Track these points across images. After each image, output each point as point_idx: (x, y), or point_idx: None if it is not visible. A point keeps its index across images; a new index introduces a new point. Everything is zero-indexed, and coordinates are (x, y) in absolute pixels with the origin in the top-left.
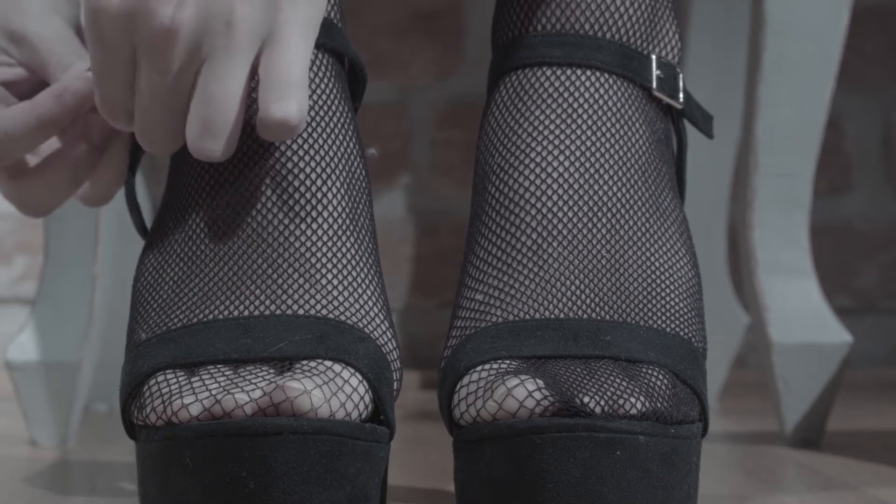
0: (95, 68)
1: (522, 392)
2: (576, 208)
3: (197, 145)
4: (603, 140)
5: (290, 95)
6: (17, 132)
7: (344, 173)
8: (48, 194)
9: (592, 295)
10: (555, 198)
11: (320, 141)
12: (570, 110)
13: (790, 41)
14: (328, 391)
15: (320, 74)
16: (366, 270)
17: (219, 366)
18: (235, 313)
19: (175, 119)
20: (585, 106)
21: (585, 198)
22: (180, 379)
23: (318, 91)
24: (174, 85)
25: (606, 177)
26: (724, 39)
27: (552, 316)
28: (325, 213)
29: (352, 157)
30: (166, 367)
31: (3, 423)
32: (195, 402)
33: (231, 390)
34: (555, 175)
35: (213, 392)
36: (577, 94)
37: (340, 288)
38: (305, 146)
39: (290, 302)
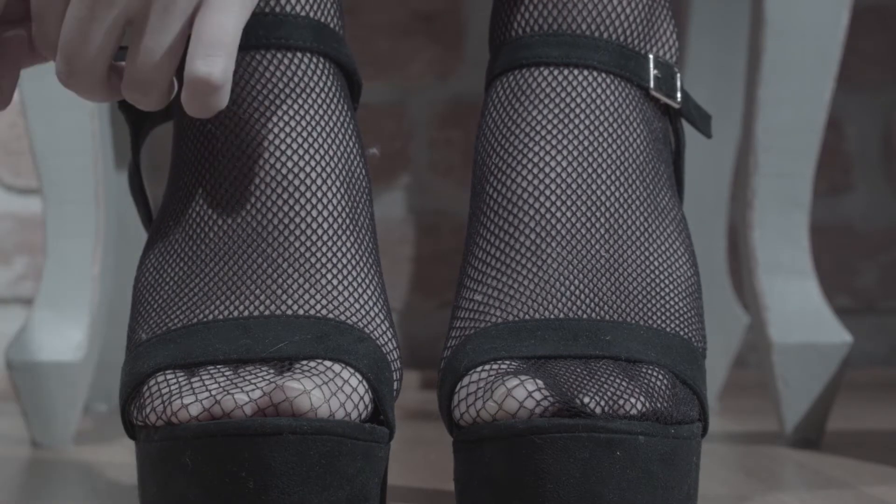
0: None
1: (522, 392)
2: (574, 208)
3: (130, 95)
4: (601, 140)
5: (217, 54)
6: None
7: (344, 173)
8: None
9: (592, 295)
10: (553, 198)
11: (319, 140)
12: (567, 110)
13: (790, 41)
14: (328, 391)
15: (320, 75)
16: (366, 270)
17: (219, 366)
18: (235, 313)
19: (88, 60)
20: (583, 106)
21: (584, 197)
22: (180, 379)
23: (317, 91)
24: (99, 27)
25: (604, 176)
26: (724, 39)
27: (552, 316)
28: (325, 213)
29: (352, 157)
30: (166, 368)
31: (3, 423)
32: (195, 402)
33: (231, 391)
34: (553, 175)
35: (213, 392)
36: (574, 94)
37: (340, 288)
38: (305, 145)
39: (289, 302)
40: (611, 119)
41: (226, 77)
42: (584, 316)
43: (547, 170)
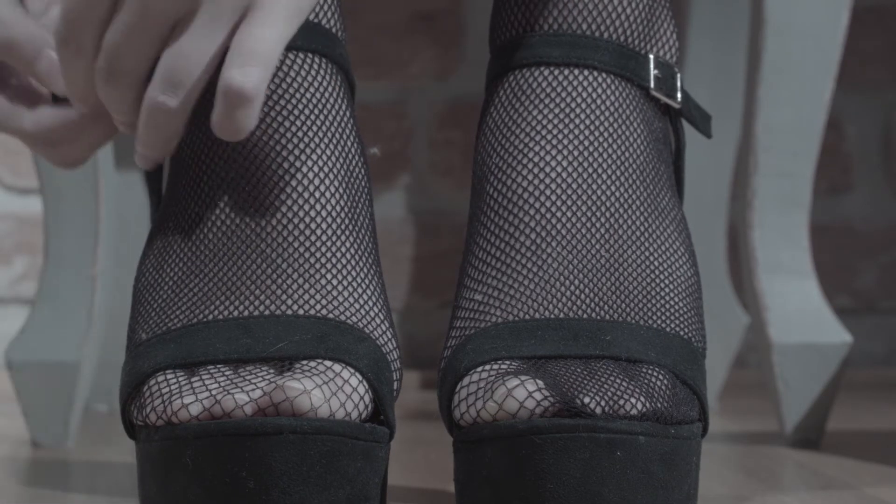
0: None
1: (522, 393)
2: (574, 208)
3: (154, 95)
4: (601, 140)
5: (255, 65)
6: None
7: (343, 173)
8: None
9: (592, 294)
10: (553, 198)
11: (316, 140)
12: (567, 110)
13: (790, 41)
14: (328, 391)
15: (315, 74)
16: (366, 270)
17: (219, 366)
18: (235, 313)
19: (133, 70)
20: (583, 106)
21: (584, 197)
22: (180, 379)
23: (313, 90)
24: (146, 34)
25: (605, 176)
26: (724, 39)
27: (552, 316)
28: (325, 213)
29: (351, 157)
30: (166, 367)
31: (3, 423)
32: (195, 402)
33: (231, 390)
34: (553, 175)
35: (213, 392)
36: (574, 94)
37: (340, 288)
38: (301, 145)
39: (289, 302)
40: (611, 119)
41: (259, 90)
42: (585, 316)
43: (547, 170)
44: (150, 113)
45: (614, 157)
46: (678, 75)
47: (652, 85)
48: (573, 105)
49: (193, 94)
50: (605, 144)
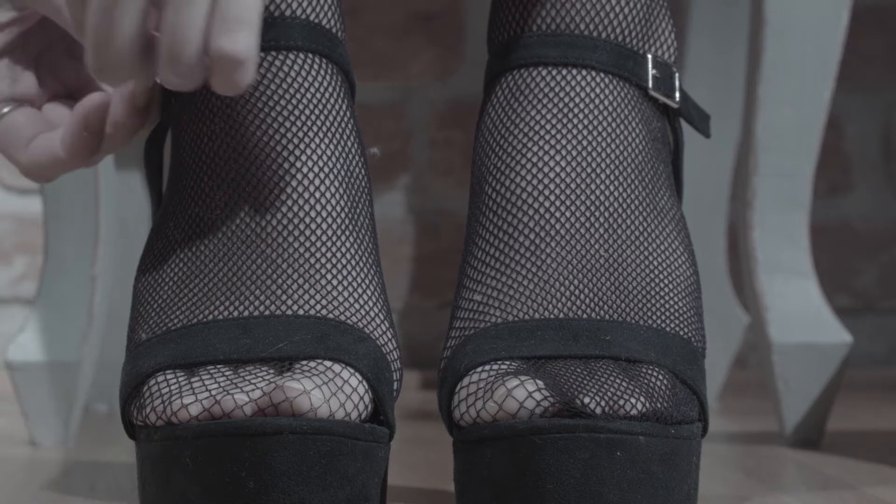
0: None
1: (522, 393)
2: (573, 208)
3: (166, 74)
4: (599, 139)
5: (240, 29)
6: (57, 169)
7: (343, 173)
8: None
9: (591, 294)
10: (552, 198)
11: (316, 140)
12: (565, 110)
13: (790, 41)
14: (328, 391)
15: (315, 74)
16: (366, 270)
17: (219, 366)
18: (235, 314)
19: (120, 42)
20: (581, 106)
21: (582, 197)
22: (180, 379)
23: (313, 90)
24: (125, 5)
25: (603, 176)
26: (724, 39)
27: (551, 316)
28: (325, 213)
29: (351, 157)
30: (166, 368)
31: (3, 423)
32: (195, 402)
33: (230, 391)
34: (551, 175)
35: (213, 392)
36: (572, 94)
37: (340, 288)
38: (301, 145)
39: (289, 302)
40: (609, 119)
41: (250, 52)
42: (584, 316)
43: (546, 170)
44: (168, 85)
45: (613, 156)
46: (676, 75)
47: (650, 85)
48: (571, 105)
49: (199, 64)
50: (604, 144)
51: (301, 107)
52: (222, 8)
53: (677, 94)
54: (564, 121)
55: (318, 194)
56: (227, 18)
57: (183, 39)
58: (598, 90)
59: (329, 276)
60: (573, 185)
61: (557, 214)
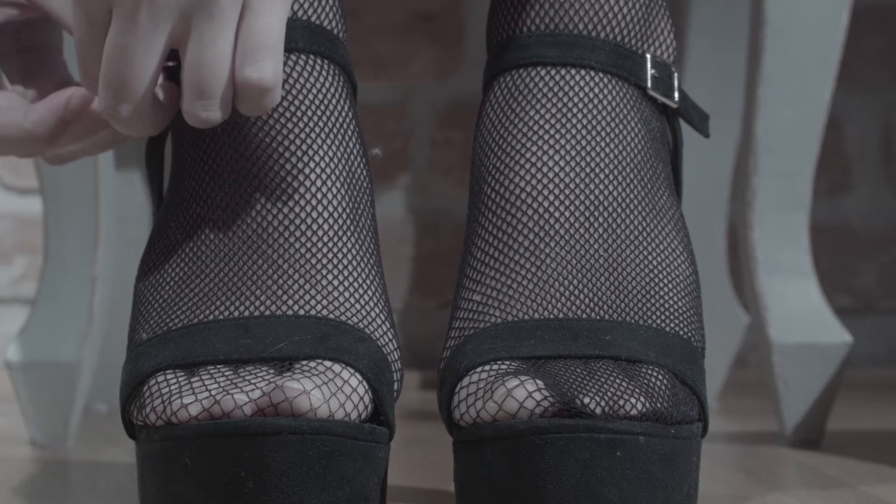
0: (78, 32)
1: (522, 393)
2: (572, 208)
3: (192, 110)
4: (598, 139)
5: (266, 58)
6: (12, 142)
7: (344, 173)
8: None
9: (591, 294)
10: (551, 198)
11: (318, 141)
12: (564, 110)
13: (790, 41)
14: (327, 391)
15: (317, 76)
16: (366, 270)
17: (219, 366)
18: (236, 314)
19: (136, 86)
20: (580, 105)
21: (581, 197)
22: (180, 379)
23: (315, 91)
24: (145, 47)
25: (602, 176)
26: (724, 39)
27: (551, 316)
28: (326, 214)
29: (353, 157)
30: (166, 367)
31: (3, 423)
32: (195, 402)
33: (230, 391)
34: (550, 175)
35: (213, 392)
36: (571, 94)
37: (341, 288)
38: (303, 146)
39: (290, 302)
40: (608, 118)
41: (276, 78)
42: (584, 316)
43: (545, 169)
44: (194, 122)
45: (612, 156)
46: (675, 75)
47: (649, 84)
48: (570, 105)
49: (229, 96)
50: (603, 144)
51: (303, 108)
52: (246, 37)
53: (676, 94)
54: (563, 120)
55: (319, 195)
56: (251, 47)
57: (211, 74)
58: (597, 90)
59: (330, 277)
60: (572, 185)
61: (556, 214)
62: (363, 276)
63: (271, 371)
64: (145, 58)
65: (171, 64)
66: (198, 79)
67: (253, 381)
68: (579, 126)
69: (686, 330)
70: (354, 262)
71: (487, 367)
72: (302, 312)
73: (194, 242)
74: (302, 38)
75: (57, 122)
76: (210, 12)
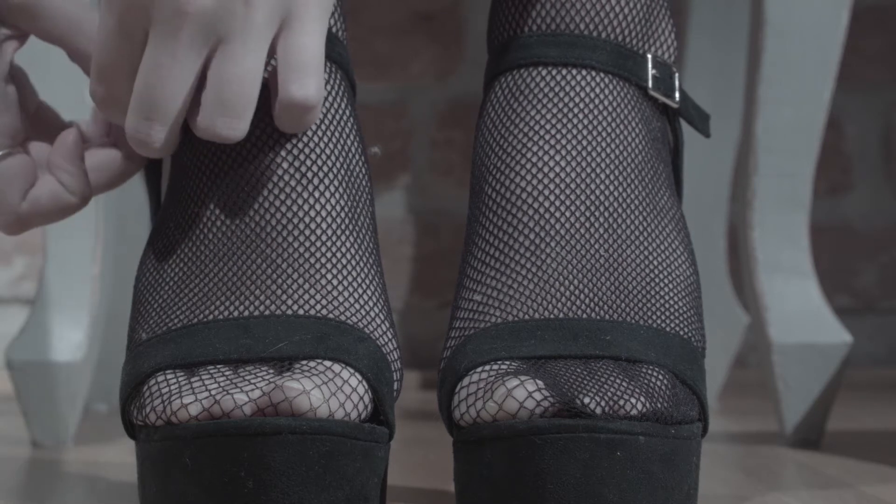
0: (104, 51)
1: (522, 393)
2: (573, 208)
3: (213, 126)
4: (599, 139)
5: (309, 75)
6: (47, 212)
7: (344, 173)
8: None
9: (591, 294)
10: (552, 198)
11: (317, 140)
12: (565, 110)
13: (790, 41)
14: (327, 391)
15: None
16: (366, 270)
17: (218, 366)
18: (235, 313)
19: (171, 107)
20: (581, 105)
21: (582, 197)
22: (180, 379)
23: None
24: (182, 67)
25: (603, 176)
26: (724, 39)
27: (551, 316)
28: (325, 213)
29: (352, 157)
30: (166, 367)
31: (3, 423)
32: (194, 402)
33: (230, 390)
34: (551, 175)
35: (213, 392)
36: (572, 94)
37: (340, 288)
38: (300, 145)
39: (290, 302)
40: (609, 118)
41: (319, 96)
42: (584, 316)
43: (546, 169)
44: (210, 137)
45: (612, 156)
46: (676, 75)
47: (650, 84)
48: (571, 105)
49: (251, 114)
50: (604, 144)
51: None
52: (288, 56)
53: (677, 94)
54: (564, 120)
55: (317, 194)
56: (294, 66)
57: (240, 92)
58: (597, 90)
59: (329, 276)
60: (573, 185)
61: (557, 214)
62: (363, 275)
63: (271, 371)
64: (182, 78)
65: None
66: (226, 95)
67: (253, 381)
68: (580, 126)
69: (686, 330)
70: (354, 262)
71: (487, 367)
72: (301, 312)
73: (194, 242)
74: None
75: (85, 178)
76: (246, 29)
